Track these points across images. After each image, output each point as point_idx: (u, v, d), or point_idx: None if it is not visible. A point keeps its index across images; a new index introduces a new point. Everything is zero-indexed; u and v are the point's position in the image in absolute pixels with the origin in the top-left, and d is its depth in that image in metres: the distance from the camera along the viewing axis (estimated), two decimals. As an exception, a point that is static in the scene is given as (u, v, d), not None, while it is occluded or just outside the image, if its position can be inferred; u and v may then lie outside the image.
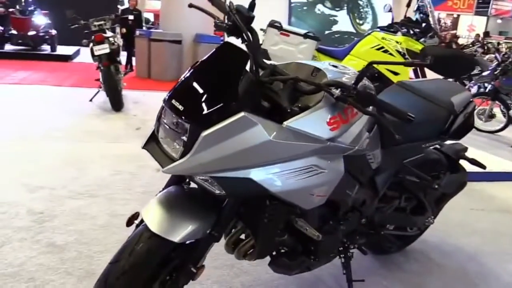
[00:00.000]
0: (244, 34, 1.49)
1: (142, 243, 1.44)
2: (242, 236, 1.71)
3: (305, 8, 6.96)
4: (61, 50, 11.35)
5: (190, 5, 1.75)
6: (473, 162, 2.51)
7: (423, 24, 5.13)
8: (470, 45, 10.95)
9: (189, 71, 1.50)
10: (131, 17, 9.38)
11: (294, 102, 1.54)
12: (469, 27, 22.80)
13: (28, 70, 8.60)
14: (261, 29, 4.95)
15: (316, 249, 1.80)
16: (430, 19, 5.17)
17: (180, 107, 1.38)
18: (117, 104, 5.80)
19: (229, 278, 2.24)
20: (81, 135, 4.54)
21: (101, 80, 5.92)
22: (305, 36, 4.85)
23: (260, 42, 5.04)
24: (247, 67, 1.46)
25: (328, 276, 2.33)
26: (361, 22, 7.49)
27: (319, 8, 7.10)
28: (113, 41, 5.85)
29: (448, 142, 2.44)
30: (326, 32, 7.08)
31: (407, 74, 5.08)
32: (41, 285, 2.04)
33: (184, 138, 1.37)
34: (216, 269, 2.28)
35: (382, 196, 2.07)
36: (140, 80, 8.77)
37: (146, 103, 6.52)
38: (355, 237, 2.07)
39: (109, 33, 5.97)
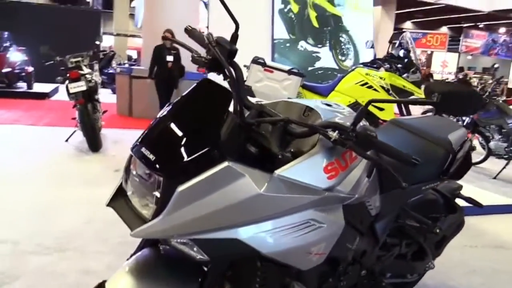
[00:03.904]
0: (226, 70, 1.32)
1: None
2: None
3: (288, 44, 6.91)
4: (39, 87, 11.12)
5: (164, 38, 1.60)
6: (470, 201, 2.38)
7: (405, 60, 5.13)
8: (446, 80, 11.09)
9: (161, 113, 1.31)
10: None
11: (285, 146, 1.37)
12: (442, 63, 23.38)
13: (1, 108, 8.32)
14: (245, 66, 4.86)
15: None
16: (412, 54, 5.17)
17: (151, 157, 1.17)
18: (94, 144, 5.56)
19: None
20: (53, 179, 4.27)
21: (77, 119, 5.69)
22: (290, 72, 4.76)
23: (244, 78, 4.95)
24: (231, 108, 1.29)
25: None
26: (343, 58, 7.49)
27: (302, 44, 7.07)
28: (90, 78, 5.67)
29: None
30: (309, 68, 7.03)
31: (392, 110, 5.02)
32: None
33: (157, 193, 1.16)
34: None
35: (382, 244, 1.90)
36: (121, 118, 8.56)
37: (127, 143, 6.21)
38: None
39: (86, 70, 5.79)
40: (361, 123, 1.34)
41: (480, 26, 25.18)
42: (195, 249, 1.19)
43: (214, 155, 1.16)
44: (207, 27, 7.07)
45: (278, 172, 1.23)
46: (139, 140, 1.26)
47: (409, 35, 5.34)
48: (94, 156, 5.40)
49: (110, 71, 12.87)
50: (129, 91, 8.90)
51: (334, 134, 1.24)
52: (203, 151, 1.16)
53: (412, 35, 20.77)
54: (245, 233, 1.20)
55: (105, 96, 8.41)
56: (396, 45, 5.35)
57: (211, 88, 1.30)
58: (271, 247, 1.24)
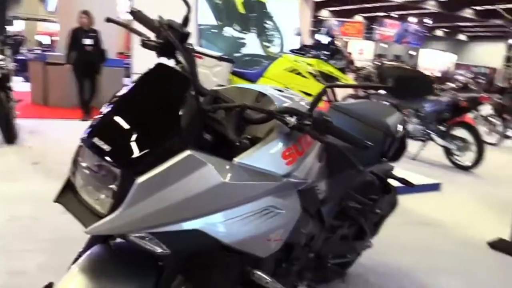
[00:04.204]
0: (180, 54, 1.26)
1: None
2: None
3: (213, 30, 6.82)
4: None
5: (108, 20, 1.49)
6: (402, 181, 2.50)
7: (332, 47, 5.26)
8: (366, 67, 11.59)
9: (113, 100, 1.22)
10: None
11: (241, 133, 1.34)
12: (360, 51, 24.49)
13: None
14: None
15: None
16: (337, 42, 5.31)
17: (106, 147, 1.09)
18: (9, 135, 5.14)
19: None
20: (-34, 174, 3.90)
21: (-11, 109, 5.22)
22: (220, 58, 4.68)
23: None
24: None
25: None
26: (269, 45, 7.54)
27: (228, 31, 7.01)
28: (2, 65, 5.21)
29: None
30: (236, 54, 6.99)
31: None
32: None
33: (113, 186, 1.09)
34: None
35: (328, 226, 1.94)
36: (35, 107, 8.00)
37: (44, 133, 5.89)
38: (303, 274, 1.90)
39: (-3, 56, 5.31)
40: (317, 109, 1.35)
41: (393, 15, 26.60)
42: (155, 242, 1.13)
43: (175, 144, 1.11)
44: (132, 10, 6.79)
45: (238, 159, 1.20)
46: (90, 130, 1.17)
47: (335, 23, 5.49)
48: (10, 148, 5.01)
49: (20, 58, 11.95)
50: (44, 78, 8.32)
51: (292, 120, 1.23)
52: (163, 139, 1.10)
53: (326, 23, 21.54)
54: (207, 224, 1.16)
55: (17, 85, 7.79)
56: (322, 32, 5.47)
57: (167, 73, 1.24)
58: (233, 236, 1.21)
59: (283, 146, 1.30)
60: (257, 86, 1.56)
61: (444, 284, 2.67)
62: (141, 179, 1.07)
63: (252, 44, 7.30)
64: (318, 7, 25.05)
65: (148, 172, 1.07)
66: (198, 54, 4.81)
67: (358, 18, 28.14)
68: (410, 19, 27.26)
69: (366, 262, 2.76)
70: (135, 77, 5.44)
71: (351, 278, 2.57)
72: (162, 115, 1.16)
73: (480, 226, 3.74)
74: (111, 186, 1.10)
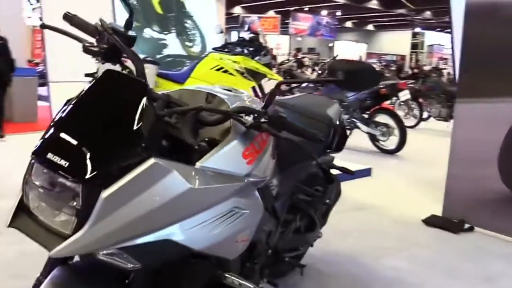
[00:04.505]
0: (129, 58, 1.22)
1: None
2: None
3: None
4: None
5: (43, 26, 1.39)
6: (342, 169, 2.58)
7: (255, 43, 5.29)
8: (286, 61, 11.83)
9: (64, 112, 1.13)
10: None
11: (196, 136, 1.31)
12: (277, 46, 25.02)
13: None
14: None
15: None
16: (261, 38, 5.35)
17: (63, 163, 1.02)
18: None
19: None
20: None
21: None
22: (144, 61, 4.53)
23: (95, 71, 4.59)
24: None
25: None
26: (190, 44, 7.45)
27: (147, 32, 6.83)
28: None
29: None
30: (158, 56, 6.84)
31: (249, 92, 5.16)
32: None
33: (74, 204, 1.01)
34: None
35: (282, 221, 1.95)
36: None
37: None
38: (263, 271, 1.90)
39: None
40: (271, 106, 1.36)
41: (305, 9, 27.40)
42: (124, 258, 1.07)
43: (138, 153, 1.06)
44: (40, 17, 6.38)
45: (200, 163, 1.18)
46: (42, 145, 1.07)
47: (256, 19, 5.53)
48: None
49: None
50: None
51: (249, 119, 1.23)
52: (125, 149, 1.04)
53: (247, 19, 21.73)
54: (176, 232, 1.12)
55: None
56: (245, 29, 5.49)
57: (120, 80, 1.17)
58: (202, 242, 1.19)
59: (242, 146, 1.30)
60: (205, 87, 1.54)
61: (390, 264, 2.79)
62: (106, 192, 1.01)
63: (173, 45, 7.16)
64: (231, 4, 25.21)
65: (112, 185, 1.01)
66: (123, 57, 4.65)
67: (271, 13, 28.72)
68: (322, 12, 28.32)
69: (315, 252, 2.81)
70: (54, 86, 5.13)
71: (305, 270, 2.61)
72: (121, 123, 1.09)
73: (412, 205, 3.94)
74: (72, 203, 1.02)
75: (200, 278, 1.34)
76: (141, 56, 4.60)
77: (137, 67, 1.26)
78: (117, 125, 1.09)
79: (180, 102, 1.35)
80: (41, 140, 1.11)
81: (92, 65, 1.68)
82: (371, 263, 2.80)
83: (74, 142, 1.06)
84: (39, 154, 1.08)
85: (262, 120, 1.24)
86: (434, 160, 5.45)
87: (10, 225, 1.11)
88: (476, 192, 3.38)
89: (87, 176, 1.01)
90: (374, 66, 11.46)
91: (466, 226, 3.37)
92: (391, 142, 6.13)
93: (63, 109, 1.15)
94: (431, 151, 6.25)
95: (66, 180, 1.03)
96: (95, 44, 1.37)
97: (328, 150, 2.26)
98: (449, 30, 5.49)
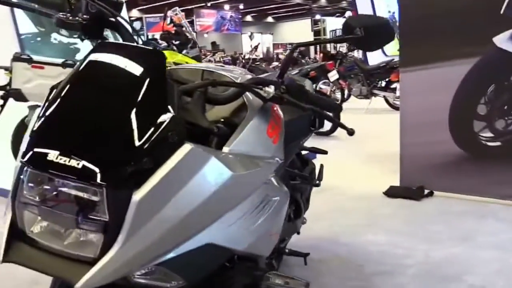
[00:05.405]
0: (121, 28, 1.01)
1: None
2: None
3: (38, 39, 6.03)
4: None
5: (2, 2, 1.11)
6: (315, 150, 2.49)
7: (181, 36, 5.07)
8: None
9: (63, 99, 0.87)
10: None
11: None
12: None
13: None
14: (3, 68, 4.05)
15: None
16: (186, 31, 5.15)
17: (74, 163, 0.77)
18: None
19: None
20: None
21: None
22: (65, 65, 4.11)
23: (6, 83, 4.08)
24: None
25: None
26: (105, 46, 6.99)
27: (55, 37, 6.27)
28: None
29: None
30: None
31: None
32: None
33: (97, 216, 0.78)
34: None
35: None
36: None
37: None
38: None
39: None
40: (286, 75, 1.22)
41: (208, 5, 27.20)
42: (165, 275, 0.86)
43: (171, 138, 0.83)
44: None
45: (227, 147, 1.00)
46: (38, 147, 0.81)
47: (178, 11, 5.30)
48: None
49: None
50: None
51: (270, 91, 1.07)
52: (153, 134, 0.82)
53: (152, 19, 21.12)
54: (217, 233, 0.94)
55: None
56: (168, 22, 5.24)
57: (131, 52, 0.94)
58: (244, 241, 1.04)
59: (264, 123, 1.15)
60: (199, 65, 1.36)
61: (371, 239, 2.75)
62: (138, 194, 0.78)
63: (86, 48, 6.66)
64: (128, 8, 24.27)
65: (144, 184, 0.79)
66: (37, 64, 4.19)
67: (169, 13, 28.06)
68: (225, 6, 28.32)
69: (292, 239, 2.70)
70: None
71: (292, 259, 2.48)
72: (146, 104, 0.86)
73: (371, 180, 3.96)
74: (93, 216, 0.77)
75: (241, 284, 1.14)
76: (60, 60, 4.21)
77: (127, 39, 1.05)
78: (141, 107, 0.84)
79: (182, 79, 1.15)
80: (33, 139, 0.84)
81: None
82: (353, 242, 2.74)
83: (86, 134, 0.81)
84: (34, 159, 0.81)
85: (282, 91, 1.10)
86: (375, 135, 5.61)
87: (4, 260, 0.83)
88: (431, 157, 3.46)
89: (114, 176, 0.77)
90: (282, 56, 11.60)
91: (426, 191, 3.44)
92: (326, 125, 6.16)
93: (54, 97, 0.88)
94: (366, 127, 6.40)
95: (80, 185, 0.78)
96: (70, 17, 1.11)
97: (312, 128, 2.12)
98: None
